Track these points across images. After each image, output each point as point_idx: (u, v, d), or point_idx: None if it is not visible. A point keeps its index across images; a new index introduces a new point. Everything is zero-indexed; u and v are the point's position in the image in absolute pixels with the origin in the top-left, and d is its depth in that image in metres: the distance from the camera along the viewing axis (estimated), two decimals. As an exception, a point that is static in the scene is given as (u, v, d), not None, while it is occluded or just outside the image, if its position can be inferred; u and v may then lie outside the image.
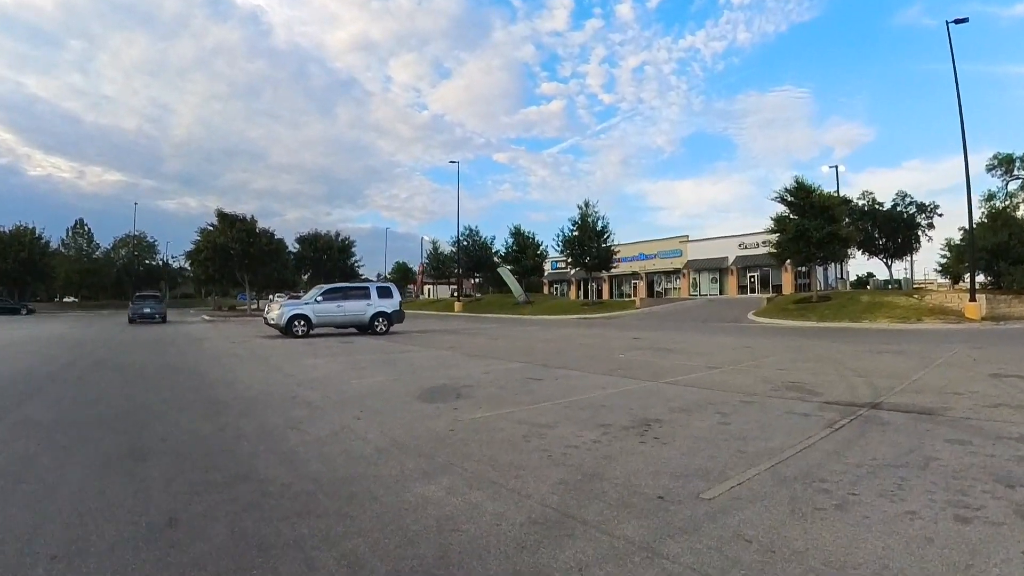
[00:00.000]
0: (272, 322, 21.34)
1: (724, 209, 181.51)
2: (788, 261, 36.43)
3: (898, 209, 42.16)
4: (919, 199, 43.00)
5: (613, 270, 60.54)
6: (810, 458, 4.93)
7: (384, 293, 24.02)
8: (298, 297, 31.30)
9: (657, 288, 66.39)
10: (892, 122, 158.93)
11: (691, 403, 7.33)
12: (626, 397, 7.92)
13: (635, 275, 67.77)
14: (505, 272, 53.15)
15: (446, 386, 8.68)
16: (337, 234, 61.55)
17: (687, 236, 64.14)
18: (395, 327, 24.74)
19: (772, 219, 33.24)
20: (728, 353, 13.27)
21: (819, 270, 47.20)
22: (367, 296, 23.34)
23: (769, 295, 44.46)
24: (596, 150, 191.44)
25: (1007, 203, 38.66)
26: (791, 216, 32.31)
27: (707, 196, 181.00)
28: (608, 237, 44.20)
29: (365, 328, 22.36)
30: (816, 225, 30.96)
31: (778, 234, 32.59)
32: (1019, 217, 33.97)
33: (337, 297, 22.43)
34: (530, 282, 69.14)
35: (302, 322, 21.22)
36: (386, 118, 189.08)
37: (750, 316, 31.55)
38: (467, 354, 13.68)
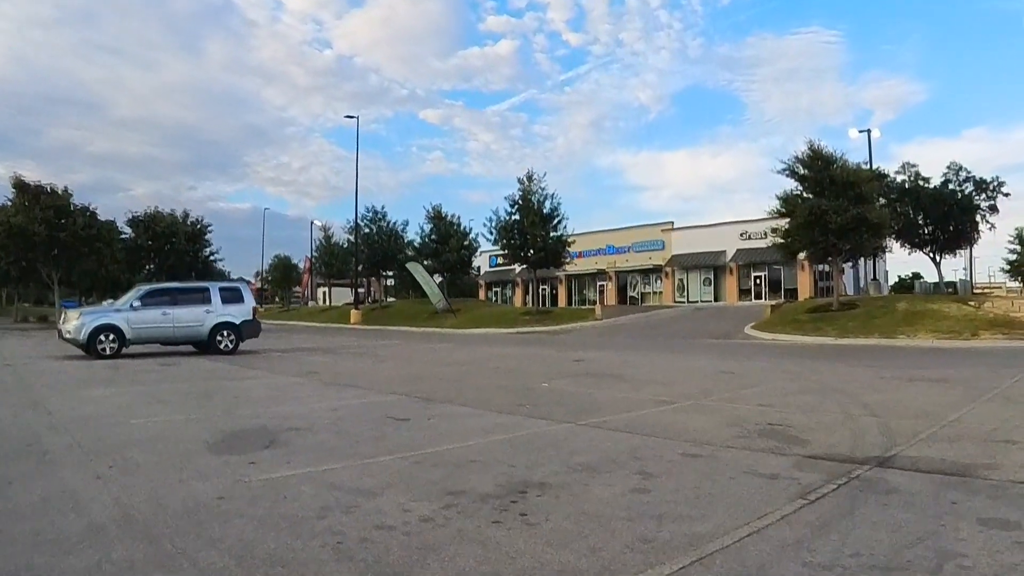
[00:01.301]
0: (68, 336, 21.14)
1: (727, 189, 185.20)
2: (803, 256, 37.18)
3: (949, 187, 41.89)
4: (979, 175, 41.98)
5: (571, 267, 60.66)
6: (754, 554, 4.45)
7: (231, 296, 23.63)
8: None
9: (632, 292, 67.69)
10: (951, 77, 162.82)
11: (605, 457, 7.14)
12: (514, 448, 7.65)
13: (602, 274, 68.86)
14: (418, 270, 53.45)
15: (263, 429, 8.79)
16: (186, 215, 60.12)
17: (671, 223, 65.30)
18: (247, 343, 24.55)
19: (778, 198, 33.43)
20: (698, 381, 13.67)
21: (847, 269, 48.28)
22: (206, 300, 22.97)
23: (775, 302, 44.65)
24: (558, 108, 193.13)
25: None
26: (804, 195, 32.75)
27: (705, 172, 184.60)
28: (560, 223, 45.05)
29: (205, 345, 22.51)
30: (837, 206, 31.04)
31: (786, 219, 33.12)
32: None
33: (163, 302, 22.26)
34: (459, 284, 68.88)
35: (111, 336, 21.06)
36: (274, 59, 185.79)
37: (747, 330, 32.63)
38: (327, 382, 14.18)
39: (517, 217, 44.66)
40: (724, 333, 31.93)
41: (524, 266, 48.26)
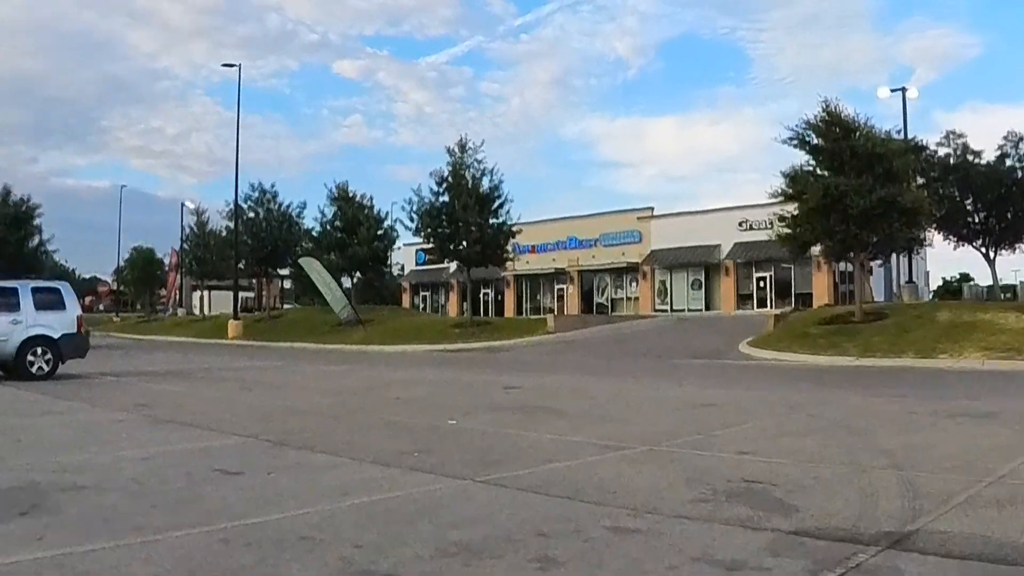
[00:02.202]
0: None
1: (728, 167, 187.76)
2: (818, 251, 37.47)
3: (1007, 163, 41.79)
4: None
5: (520, 265, 61.24)
6: None
7: (48, 300, 23.21)
8: None
9: (599, 298, 68.53)
10: (1012, 28, 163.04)
11: (498, 533, 6.72)
12: (372, 517, 7.30)
13: (562, 275, 69.54)
14: (313, 268, 53.71)
15: (32, 487, 8.52)
16: (7, 191, 59.33)
17: (650, 209, 66.18)
18: (72, 365, 24.04)
19: (783, 175, 33.52)
20: (665, 417, 13.79)
21: (876, 269, 48.81)
22: (12, 306, 22.47)
23: (782, 310, 44.72)
24: (513, 61, 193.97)
25: None
26: (817, 171, 33.02)
27: (700, 144, 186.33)
28: (503, 206, 45.47)
29: (11, 367, 22.14)
30: (859, 186, 31.01)
31: (795, 203, 33.43)
32: None
33: (-53, 309, 22.20)
34: (379, 288, 68.16)
35: None
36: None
37: (743, 347, 33.15)
38: (157, 419, 14.21)
39: (446, 199, 44.83)
40: (713, 351, 32.42)
41: (457, 264, 48.70)
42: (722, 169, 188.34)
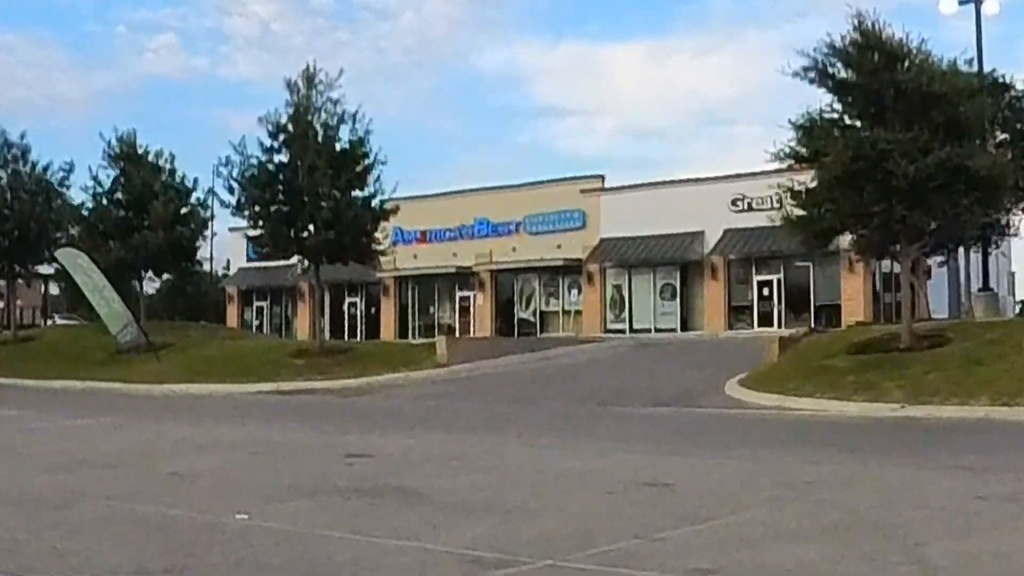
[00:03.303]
0: None
1: (721, 118, 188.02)
2: (846, 243, 37.72)
3: None
4: None
5: (403, 262, 62.48)
6: None
7: None
8: None
9: (523, 311, 69.34)
10: None
11: None
12: None
13: (468, 277, 69.76)
14: (78, 266, 52.66)
15: None
16: None
17: (600, 179, 66.84)
18: None
19: (794, 126, 32.89)
20: (590, 504, 13.31)
21: (933, 269, 49.45)
22: None
23: (792, 331, 45.41)
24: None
25: None
26: (844, 119, 33.07)
27: (681, 84, 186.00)
28: (371, 171, 45.79)
29: None
30: (909, 143, 30.58)
31: (810, 169, 33.56)
32: None
33: None
34: (195, 296, 66.75)
35: None
36: None
37: (731, 387, 33.19)
38: None
39: (284, 158, 44.70)
40: (685, 394, 32.19)
41: (299, 259, 48.87)
42: (713, 121, 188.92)
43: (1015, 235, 44.21)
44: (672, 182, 62.77)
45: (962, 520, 11.46)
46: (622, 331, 61.32)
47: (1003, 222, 39.67)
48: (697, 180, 61.27)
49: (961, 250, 43.25)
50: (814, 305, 56.47)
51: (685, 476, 15.72)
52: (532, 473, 16.68)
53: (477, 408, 30.75)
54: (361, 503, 13.52)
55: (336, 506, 13.34)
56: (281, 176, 44.26)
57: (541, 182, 67.63)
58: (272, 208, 44.94)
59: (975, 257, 45.70)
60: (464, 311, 68.99)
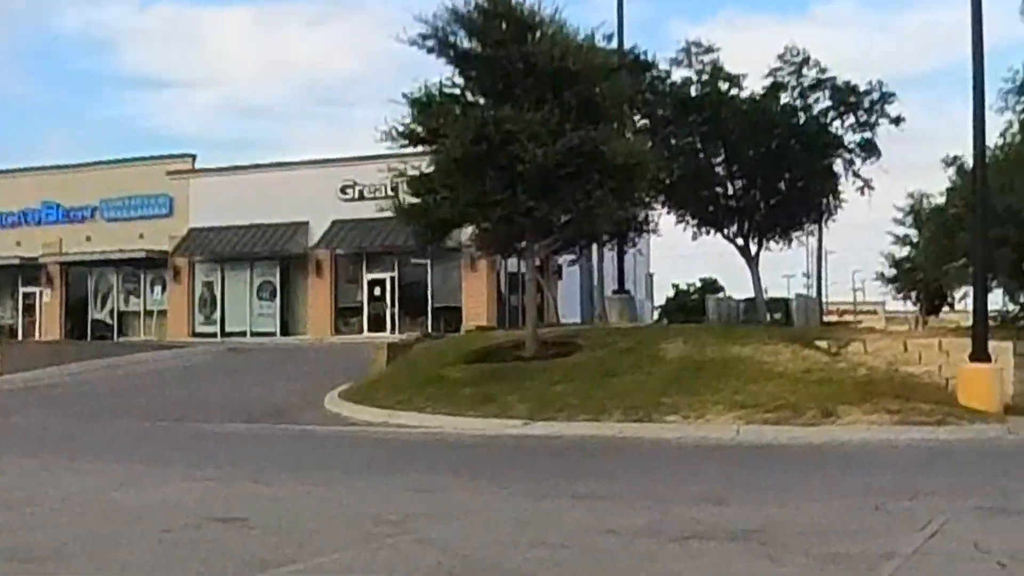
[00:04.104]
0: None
1: (337, 96, 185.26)
2: (466, 238, 38.47)
3: (781, 99, 42.22)
4: (842, 78, 42.06)
5: None
6: None
7: None
8: None
9: (98, 311, 67.98)
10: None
11: None
12: None
13: (33, 271, 67.47)
14: None
15: None
16: None
17: (191, 159, 65.26)
18: None
19: (409, 101, 32.08)
20: (124, 547, 12.37)
21: (566, 270, 50.62)
22: None
23: (405, 336, 45.80)
24: None
25: None
26: (467, 95, 33.02)
27: (292, 55, 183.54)
28: None
29: None
30: (538, 124, 30.08)
31: (427, 152, 33.26)
32: None
33: None
34: None
35: None
36: None
37: (331, 400, 32.56)
38: None
39: None
40: (278, 408, 31.30)
41: None
42: (330, 100, 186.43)
43: (654, 232, 44.32)
44: (274, 165, 61.40)
45: (589, 562, 11.06)
46: (213, 335, 60.17)
47: (641, 217, 39.64)
48: (302, 164, 60.01)
49: (595, 248, 42.97)
50: (432, 307, 56.09)
51: (265, 509, 14.73)
52: (77, 507, 15.19)
53: (26, 426, 29.06)
54: None
55: None
56: None
57: (121, 161, 64.93)
58: None
59: (610, 256, 45.59)
60: (29, 310, 66.39)
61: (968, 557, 10.35)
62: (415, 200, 33.51)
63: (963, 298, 42.79)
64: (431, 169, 32.79)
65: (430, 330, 49.24)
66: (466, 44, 32.18)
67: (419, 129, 32.32)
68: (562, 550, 11.49)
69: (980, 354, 26.11)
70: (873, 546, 11.22)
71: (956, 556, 10.56)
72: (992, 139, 35.74)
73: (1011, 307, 38.22)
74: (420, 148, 33.37)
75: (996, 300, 38.66)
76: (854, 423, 24.16)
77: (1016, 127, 42.49)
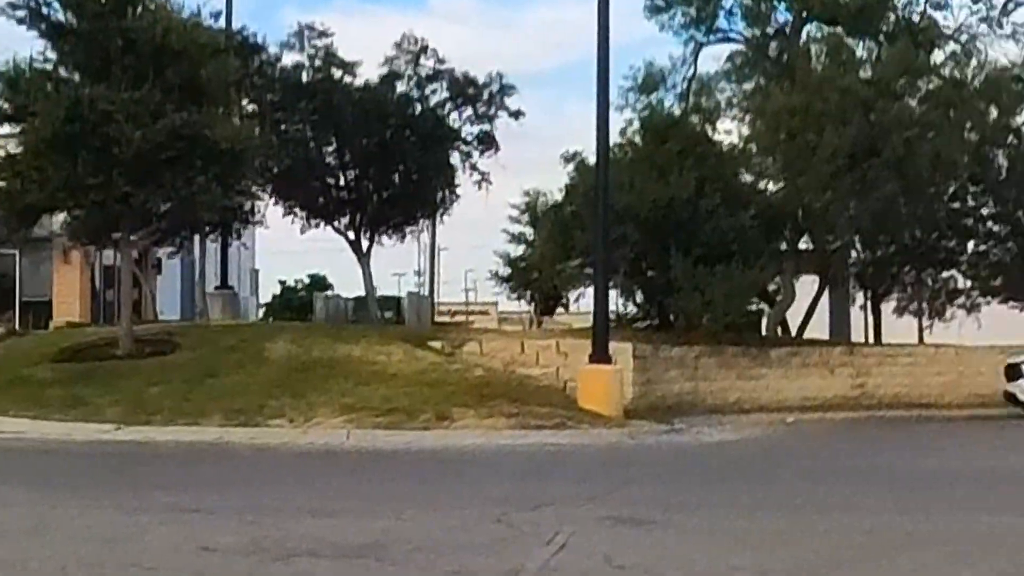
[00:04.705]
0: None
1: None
2: (57, 225, 37.57)
3: (397, 88, 42.94)
4: (460, 70, 43.53)
5: None
6: None
7: None
8: None
9: None
10: None
11: None
12: None
13: None
14: None
15: None
16: None
17: None
18: None
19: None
20: None
21: (167, 263, 49.28)
22: None
23: None
24: None
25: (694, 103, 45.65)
26: (60, 71, 31.83)
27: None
28: None
29: None
30: (136, 103, 29.32)
31: (17, 129, 32.08)
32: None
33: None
34: None
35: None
36: None
37: None
38: None
39: None
40: None
41: None
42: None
43: (259, 223, 43.80)
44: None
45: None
46: None
47: (246, 207, 38.55)
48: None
49: (197, 240, 41.90)
50: (20, 301, 52.85)
51: None
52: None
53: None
54: None
55: None
56: None
57: None
58: None
59: (214, 249, 45.47)
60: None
61: (599, 573, 10.36)
62: (0, 184, 32.05)
63: (578, 299, 43.81)
64: (19, 150, 31.53)
65: (17, 326, 46.58)
66: (60, 16, 31.04)
67: (5, 106, 31.34)
68: (153, 572, 10.53)
69: (600, 355, 26.90)
70: (497, 561, 11.04)
71: (588, 572, 10.46)
72: (613, 137, 36.85)
73: (630, 308, 39.55)
74: (8, 128, 32.79)
75: (612, 301, 40.17)
76: (470, 427, 24.73)
77: (637, 125, 43.84)
